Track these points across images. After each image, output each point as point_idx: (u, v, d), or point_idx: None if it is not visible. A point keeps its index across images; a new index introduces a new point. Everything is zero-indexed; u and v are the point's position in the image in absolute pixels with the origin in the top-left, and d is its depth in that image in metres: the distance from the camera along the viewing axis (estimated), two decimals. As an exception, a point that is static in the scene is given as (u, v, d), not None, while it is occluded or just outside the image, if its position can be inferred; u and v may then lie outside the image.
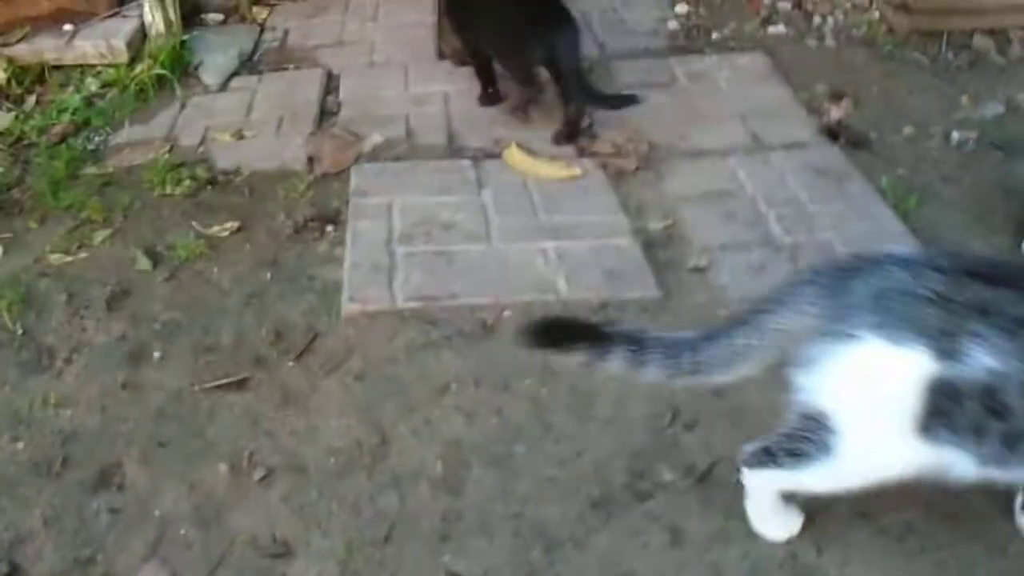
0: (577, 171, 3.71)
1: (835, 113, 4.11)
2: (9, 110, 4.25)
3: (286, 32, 4.80)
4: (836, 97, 4.25)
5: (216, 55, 4.55)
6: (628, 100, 4.09)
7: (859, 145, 3.98)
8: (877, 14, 4.85)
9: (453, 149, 3.92)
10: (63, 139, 4.07)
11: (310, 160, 3.85)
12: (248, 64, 4.59)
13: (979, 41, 4.77)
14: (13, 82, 4.35)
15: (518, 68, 4.03)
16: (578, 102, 3.96)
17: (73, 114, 4.18)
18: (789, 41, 4.67)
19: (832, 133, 4.00)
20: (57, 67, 4.44)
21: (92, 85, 4.35)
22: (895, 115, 4.23)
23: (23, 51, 4.42)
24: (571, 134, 3.95)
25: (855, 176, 3.75)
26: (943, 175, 3.89)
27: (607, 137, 3.92)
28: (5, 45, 4.38)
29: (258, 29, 4.85)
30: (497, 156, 3.84)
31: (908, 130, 4.14)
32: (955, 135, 4.13)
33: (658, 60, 4.44)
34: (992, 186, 3.83)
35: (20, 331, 3.21)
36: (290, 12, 4.98)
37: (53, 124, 4.13)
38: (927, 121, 4.21)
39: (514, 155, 3.76)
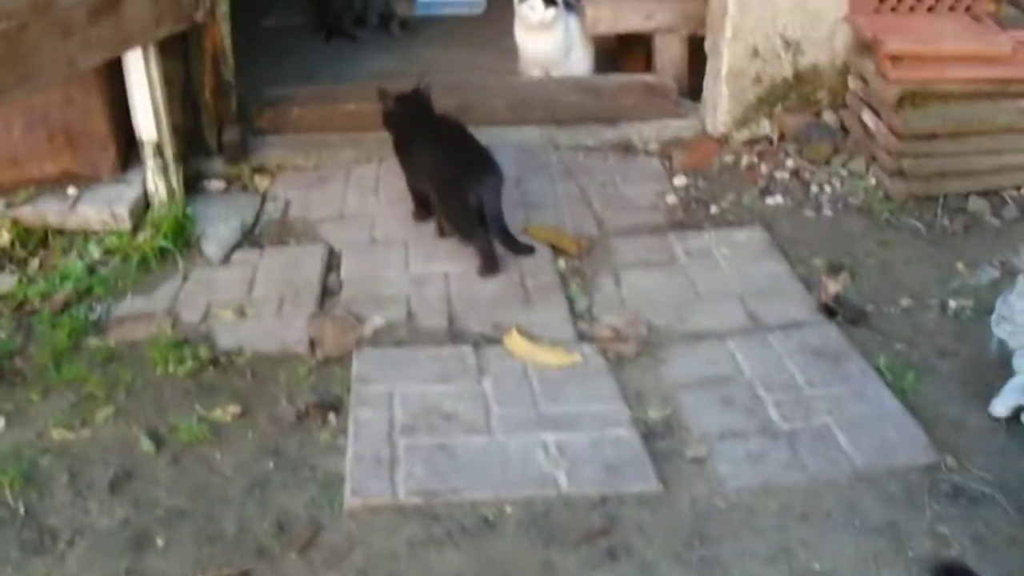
0: (577, 358, 3.74)
1: (832, 288, 4.14)
2: (12, 272, 4.26)
3: (287, 203, 4.81)
4: (834, 271, 4.29)
5: (218, 225, 4.55)
6: (527, 249, 4.33)
7: (857, 321, 4.01)
8: (873, 181, 4.92)
9: (454, 333, 3.93)
10: (65, 307, 4.07)
11: (312, 343, 3.86)
12: (250, 236, 4.58)
13: (974, 204, 4.84)
14: (17, 244, 4.37)
15: (454, 214, 4.29)
16: (498, 240, 4.22)
17: (76, 282, 4.18)
18: (787, 212, 4.72)
19: (829, 310, 4.04)
20: (60, 231, 4.45)
21: (95, 251, 4.36)
22: (892, 286, 4.28)
23: (27, 213, 4.44)
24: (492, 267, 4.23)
25: (852, 355, 3.78)
26: (940, 348, 3.92)
27: (607, 321, 3.96)
28: (10, 206, 4.40)
29: (260, 198, 4.85)
30: (498, 341, 3.85)
31: (905, 301, 4.19)
32: (952, 304, 4.18)
33: (657, 237, 4.47)
34: (989, 358, 3.80)
35: (22, 510, 3.21)
36: (292, 181, 4.99)
37: (56, 291, 4.13)
38: (924, 291, 4.26)
39: (515, 341, 3.79)
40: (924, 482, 3.30)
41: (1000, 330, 3.55)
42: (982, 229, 4.76)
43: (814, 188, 4.96)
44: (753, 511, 3.19)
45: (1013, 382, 3.56)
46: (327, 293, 4.20)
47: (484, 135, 4.93)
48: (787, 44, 5.18)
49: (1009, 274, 4.36)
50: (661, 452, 3.38)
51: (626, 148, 5.26)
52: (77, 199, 4.55)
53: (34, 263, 4.37)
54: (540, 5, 5.64)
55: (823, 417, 3.50)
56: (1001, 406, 3.59)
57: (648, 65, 5.82)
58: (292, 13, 7.79)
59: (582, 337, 3.91)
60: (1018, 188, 5.01)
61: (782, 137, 5.25)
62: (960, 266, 4.45)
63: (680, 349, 3.84)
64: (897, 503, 3.22)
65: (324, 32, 7.20)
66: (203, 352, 3.83)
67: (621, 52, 6.20)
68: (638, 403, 3.59)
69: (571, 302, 4.14)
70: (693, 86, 5.58)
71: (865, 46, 4.98)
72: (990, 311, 3.81)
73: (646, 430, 3.46)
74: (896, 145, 4.80)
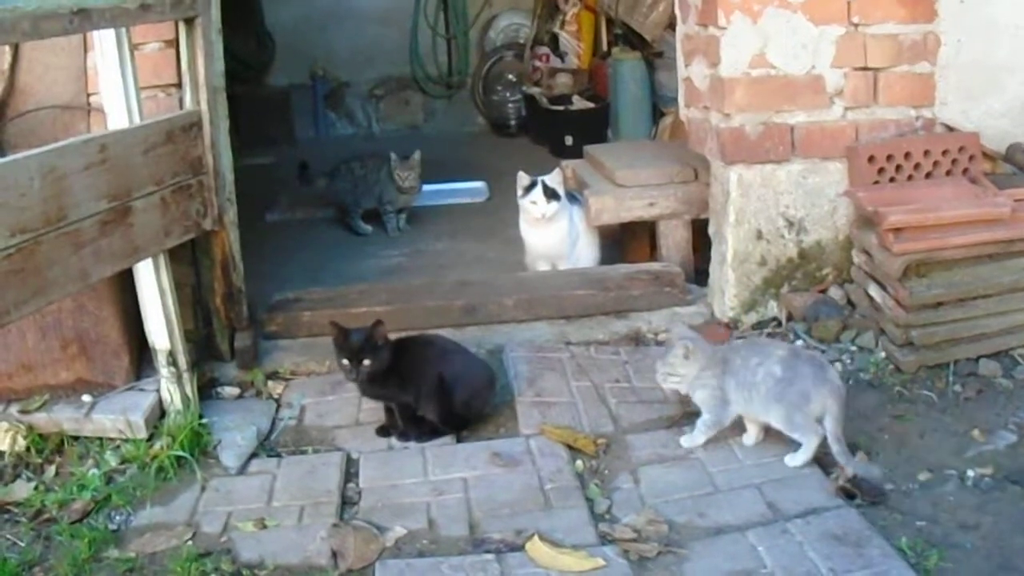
0: (600, 562, 3.73)
1: (850, 469, 4.08)
2: (29, 479, 4.29)
3: (303, 409, 4.83)
4: (850, 450, 4.22)
5: (234, 434, 4.57)
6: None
7: (876, 501, 4.00)
8: (883, 354, 4.94)
9: (475, 541, 3.91)
10: (84, 516, 4.07)
11: (334, 555, 3.83)
12: (266, 444, 4.60)
13: (985, 367, 4.87)
14: (32, 451, 4.39)
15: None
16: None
17: (94, 491, 4.19)
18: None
19: (848, 493, 4.02)
20: (75, 437, 4.47)
21: (111, 460, 4.38)
22: (909, 461, 4.28)
23: (42, 420, 4.47)
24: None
25: (874, 538, 3.76)
26: (961, 522, 3.90)
27: (627, 521, 3.96)
28: (25, 412, 4.44)
29: (274, 405, 4.87)
30: (520, 548, 3.83)
31: (923, 476, 4.18)
32: (971, 473, 4.17)
33: (673, 432, 4.51)
34: (1011, 526, 3.86)
35: None
36: (306, 387, 5.02)
37: (74, 499, 4.14)
38: (942, 463, 4.25)
39: (537, 548, 3.79)
40: (953, 661, 3.21)
41: (670, 384, 4.36)
42: (995, 392, 4.77)
43: (826, 367, 4.85)
44: None
45: (701, 420, 4.30)
46: (347, 503, 4.20)
47: (494, 334, 5.08)
48: (790, 224, 5.27)
49: (1026, 437, 4.27)
50: (688, 655, 3.28)
51: (637, 340, 5.30)
52: (92, 407, 4.61)
53: (50, 470, 4.41)
54: (542, 200, 5.75)
55: (848, 606, 3.39)
56: (688, 441, 4.40)
57: (653, 248, 5.86)
58: (296, 208, 7.88)
59: (603, 539, 3.89)
60: (1026, 346, 4.92)
61: (790, 317, 5.30)
62: (976, 433, 4.45)
63: (701, 545, 3.82)
64: None
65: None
66: (225, 566, 3.82)
67: (625, 238, 6.28)
68: (653, 600, 3.47)
69: (591, 503, 4.13)
70: (699, 268, 5.58)
71: (867, 220, 5.03)
72: (1011, 478, 3.96)
73: (679, 636, 3.35)
74: (904, 317, 4.84)
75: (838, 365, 4.99)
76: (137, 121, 4.37)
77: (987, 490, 4.11)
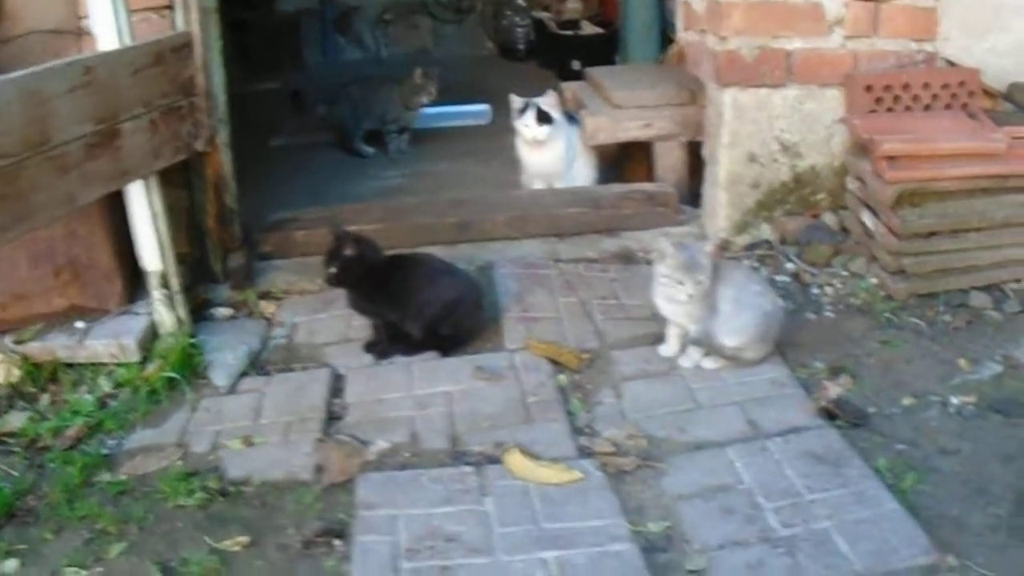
0: (577, 474, 3.73)
1: (833, 391, 4.14)
2: (23, 409, 4.28)
3: (294, 328, 4.81)
4: (834, 373, 4.29)
5: (225, 354, 4.56)
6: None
7: (858, 423, 4.00)
8: (874, 280, 4.94)
9: (456, 454, 3.92)
10: (77, 442, 4.07)
11: (318, 469, 3.84)
12: (257, 363, 4.59)
13: (976, 298, 4.86)
14: (27, 380, 4.38)
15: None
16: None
17: (87, 417, 4.18)
18: (788, 315, 4.64)
19: (830, 413, 4.02)
20: (69, 365, 4.46)
21: (105, 385, 4.37)
22: (894, 386, 4.27)
23: (36, 349, 4.45)
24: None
25: (852, 459, 3.77)
26: (942, 447, 3.91)
27: (607, 435, 3.97)
28: (19, 342, 4.43)
29: (266, 324, 4.86)
30: (499, 461, 3.84)
31: (907, 401, 4.18)
32: (954, 401, 4.18)
33: (657, 347, 4.48)
34: (990, 453, 3.87)
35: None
36: (298, 306, 5.01)
37: (67, 426, 4.13)
38: (926, 389, 4.25)
39: (515, 461, 3.79)
40: (924, 583, 3.20)
41: (698, 290, 4.23)
42: (984, 324, 4.76)
43: (815, 290, 4.98)
44: (754, 620, 3.11)
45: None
46: (333, 418, 4.19)
47: (486, 251, 5.08)
48: (785, 148, 5.24)
49: (1012, 368, 4.38)
50: (661, 565, 3.35)
51: (627, 258, 5.28)
52: (85, 333, 4.57)
53: (45, 399, 4.39)
54: (534, 124, 5.75)
55: (823, 522, 3.48)
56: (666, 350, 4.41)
57: (652, 171, 5.82)
58: (300, 132, 7.86)
59: (583, 452, 3.90)
60: (1018, 281, 5.02)
61: (783, 240, 5.29)
62: (962, 362, 4.45)
63: (680, 460, 3.83)
64: (900, 605, 3.13)
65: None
66: (212, 483, 3.83)
67: (624, 160, 6.25)
68: (638, 517, 3.57)
69: (572, 417, 4.13)
70: (695, 190, 5.57)
71: (861, 147, 5.01)
72: (994, 407, 4.00)
73: (646, 543, 3.44)
74: (895, 244, 4.83)
75: (828, 289, 5.02)
76: (128, 43, 4.30)
77: (969, 417, 4.11)
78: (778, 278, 5.11)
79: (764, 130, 5.27)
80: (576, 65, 8.54)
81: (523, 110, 6.00)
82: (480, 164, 7.12)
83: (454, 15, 11.72)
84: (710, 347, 4.32)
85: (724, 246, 5.29)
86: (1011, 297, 4.96)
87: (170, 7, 4.73)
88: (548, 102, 5.99)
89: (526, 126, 5.91)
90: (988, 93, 5.42)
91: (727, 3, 5.16)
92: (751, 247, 5.38)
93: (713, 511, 3.59)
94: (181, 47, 4.62)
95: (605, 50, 8.62)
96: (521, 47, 10.98)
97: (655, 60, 7.40)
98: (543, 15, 10.39)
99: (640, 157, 6.11)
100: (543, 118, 5.91)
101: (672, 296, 4.19)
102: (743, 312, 4.24)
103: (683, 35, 5.75)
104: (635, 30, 8.00)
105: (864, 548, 3.39)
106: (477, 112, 8.33)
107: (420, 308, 4.57)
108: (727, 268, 4.34)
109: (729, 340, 4.26)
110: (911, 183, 4.82)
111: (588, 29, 9.73)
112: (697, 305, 4.19)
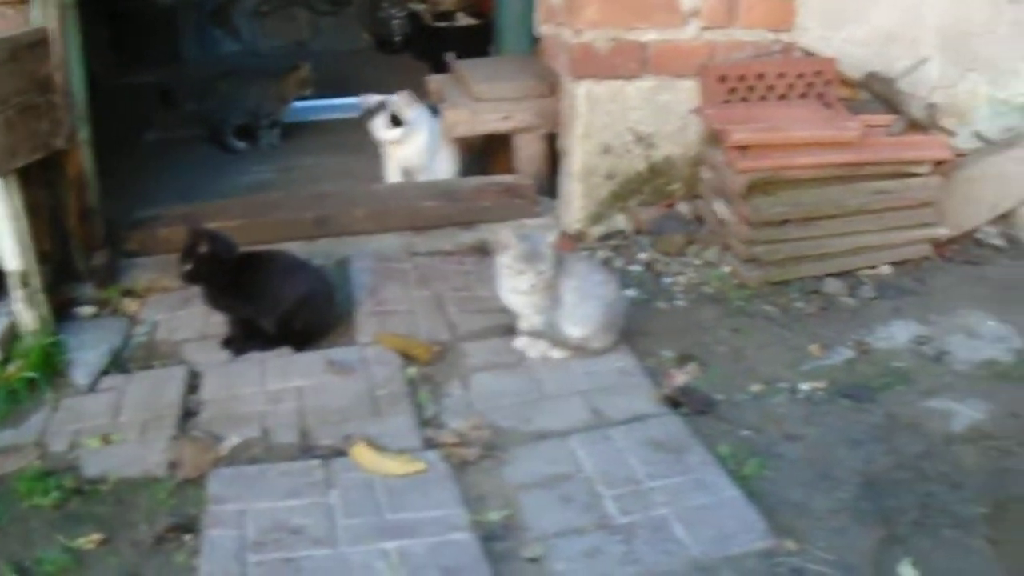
0: (421, 465, 3.70)
1: (680, 379, 4.13)
2: None
3: (155, 325, 4.76)
4: (682, 361, 4.28)
5: (87, 352, 4.48)
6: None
7: (704, 410, 3.99)
8: (728, 269, 4.94)
9: (305, 448, 3.88)
10: None
11: (172, 466, 3.79)
12: (118, 361, 4.52)
13: (830, 285, 4.88)
14: None
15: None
16: None
17: None
18: (639, 305, 4.67)
19: (674, 402, 4.00)
20: None
21: None
22: (743, 373, 4.27)
23: None
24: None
25: (695, 446, 3.76)
26: (788, 433, 3.92)
27: (452, 426, 3.93)
28: None
29: (129, 322, 4.80)
30: (346, 454, 3.80)
31: (755, 387, 4.18)
32: (803, 387, 4.19)
33: (507, 339, 4.46)
34: (837, 438, 3.88)
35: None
36: (160, 303, 4.94)
37: None
38: (775, 376, 4.25)
39: (361, 453, 3.76)
40: (761, 567, 3.28)
41: (541, 280, 4.23)
42: (838, 310, 4.79)
43: (667, 280, 4.97)
44: (586, 607, 3.08)
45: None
46: (188, 415, 4.15)
47: (344, 245, 5.05)
48: (639, 139, 5.24)
49: (864, 353, 4.41)
50: (499, 554, 3.33)
51: (483, 250, 5.23)
52: (-59, 339, 4.40)
53: None
54: (384, 127, 5.72)
55: (661, 509, 3.47)
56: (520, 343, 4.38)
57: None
58: (173, 127, 7.80)
59: (428, 444, 3.87)
60: (873, 267, 5.05)
61: (637, 230, 5.28)
62: (813, 349, 4.46)
63: (523, 450, 3.81)
64: (733, 591, 3.13)
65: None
66: (68, 481, 3.76)
67: (489, 152, 6.23)
68: (479, 506, 3.54)
69: (420, 409, 4.10)
70: (555, 181, 5.55)
71: (714, 137, 5.02)
72: (844, 392, 4.04)
73: (485, 532, 3.42)
74: (748, 233, 4.83)
75: (681, 278, 5.02)
76: (-19, 38, 4.17)
77: (818, 403, 4.12)
78: (632, 268, 5.10)
79: (618, 121, 5.26)
80: (451, 57, 8.49)
81: (375, 111, 5.92)
82: (350, 157, 7.10)
83: (331, 7, 11.66)
84: (556, 338, 4.24)
85: (579, 237, 5.29)
86: (866, 283, 5.00)
87: (26, 1, 4.61)
88: (401, 102, 5.95)
89: (378, 129, 5.85)
90: (846, 82, 5.45)
91: (582, -4, 5.07)
92: (606, 237, 5.36)
93: (553, 499, 3.57)
94: (37, 43, 4.51)
95: (479, 42, 8.59)
96: (397, 39, 10.94)
97: (528, 52, 7.37)
98: (418, 7, 10.35)
99: (504, 149, 6.09)
100: (396, 120, 5.83)
101: (515, 286, 4.15)
102: (586, 302, 4.23)
103: (542, 28, 5.68)
104: (508, 22, 7.98)
105: (702, 534, 3.39)
106: (349, 105, 8.27)
107: (273, 304, 4.54)
108: (571, 260, 4.33)
109: (574, 330, 4.24)
110: (762, 172, 4.83)
111: (463, 20, 9.72)
112: (541, 296, 4.17)
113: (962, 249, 5.47)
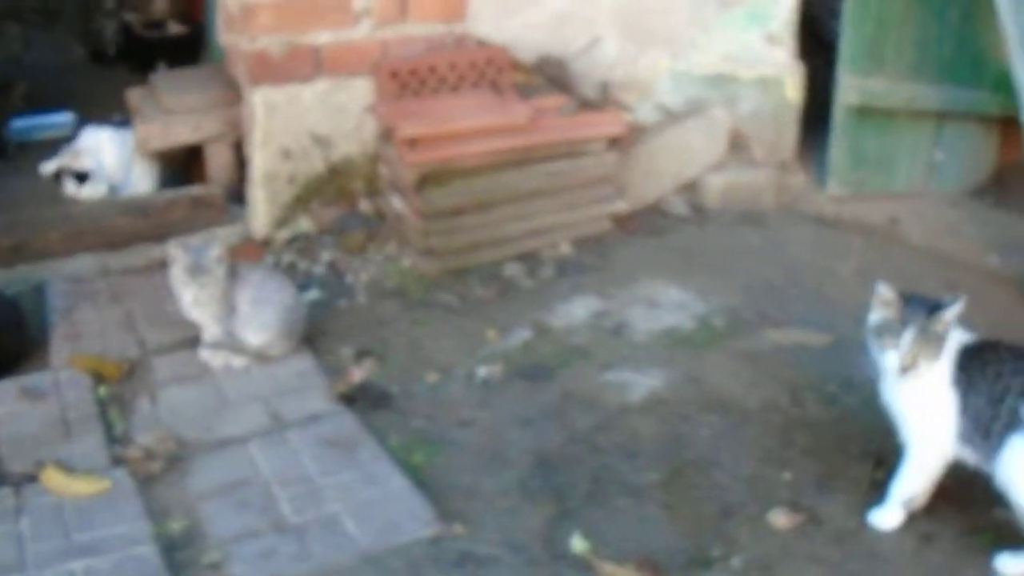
0: (107, 483, 3.76)
1: (357, 376, 4.25)
2: None
3: None
4: (360, 358, 4.39)
5: None
6: None
7: (379, 405, 4.12)
8: (407, 262, 5.06)
9: (1, 475, 3.87)
10: None
11: None
12: None
13: (509, 269, 5.04)
14: None
15: None
16: None
17: None
18: (321, 306, 4.77)
19: (350, 398, 4.12)
20: None
21: None
22: (420, 364, 4.40)
23: None
24: None
25: (366, 441, 3.90)
26: (461, 419, 4.06)
27: (140, 441, 4.00)
28: None
29: None
30: (38, 479, 3.82)
31: (432, 377, 4.31)
32: (481, 372, 4.33)
33: (193, 351, 4.50)
34: (510, 420, 4.04)
35: None
36: None
37: None
38: (452, 363, 4.39)
39: (50, 477, 3.80)
40: (428, 554, 3.43)
41: (208, 291, 4.37)
42: (517, 293, 4.95)
43: (349, 278, 5.06)
44: (262, 607, 3.20)
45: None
46: None
47: (42, 270, 5.11)
48: (317, 141, 5.32)
49: (542, 333, 4.56)
50: (180, 563, 3.43)
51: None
52: None
53: None
54: (72, 187, 5.72)
55: (333, 505, 3.60)
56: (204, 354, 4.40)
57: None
58: None
59: (116, 461, 3.92)
60: (554, 247, 5.21)
61: (321, 231, 5.36)
62: (491, 333, 4.61)
63: (204, 460, 3.90)
64: (399, 579, 3.27)
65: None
66: None
67: (192, 162, 6.25)
68: (162, 518, 3.63)
69: (110, 428, 4.14)
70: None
71: (387, 133, 5.12)
72: (521, 373, 4.20)
73: (167, 543, 3.50)
74: (422, 225, 4.95)
75: (363, 275, 5.12)
76: None
77: (494, 387, 4.28)
78: (315, 269, 5.18)
79: (296, 125, 5.34)
80: (163, 68, 8.44)
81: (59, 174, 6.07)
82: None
83: (43, 19, 11.44)
84: (237, 346, 4.35)
85: (265, 242, 5.35)
86: (546, 264, 5.15)
87: None
88: (72, 160, 6.05)
89: (68, 189, 5.98)
90: (520, 68, 5.59)
91: (255, 3, 5.21)
92: (291, 241, 5.42)
93: (231, 505, 3.68)
94: None
95: (191, 50, 8.56)
96: (111, 52, 10.79)
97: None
98: (130, 16, 10.23)
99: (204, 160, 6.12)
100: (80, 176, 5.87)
101: (183, 299, 4.22)
102: (263, 309, 4.33)
103: (225, 37, 5.73)
104: (217, 29, 7.99)
105: (371, 527, 3.53)
106: (60, 123, 8.18)
107: None
108: (245, 269, 4.42)
109: (253, 338, 4.35)
110: (432, 164, 4.96)
111: (174, 29, 9.64)
112: (216, 306, 4.26)
113: (646, 221, 5.67)
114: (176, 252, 4.23)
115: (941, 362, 3.34)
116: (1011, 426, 3.25)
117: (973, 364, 3.36)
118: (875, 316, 3.41)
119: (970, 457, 3.41)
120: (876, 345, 3.41)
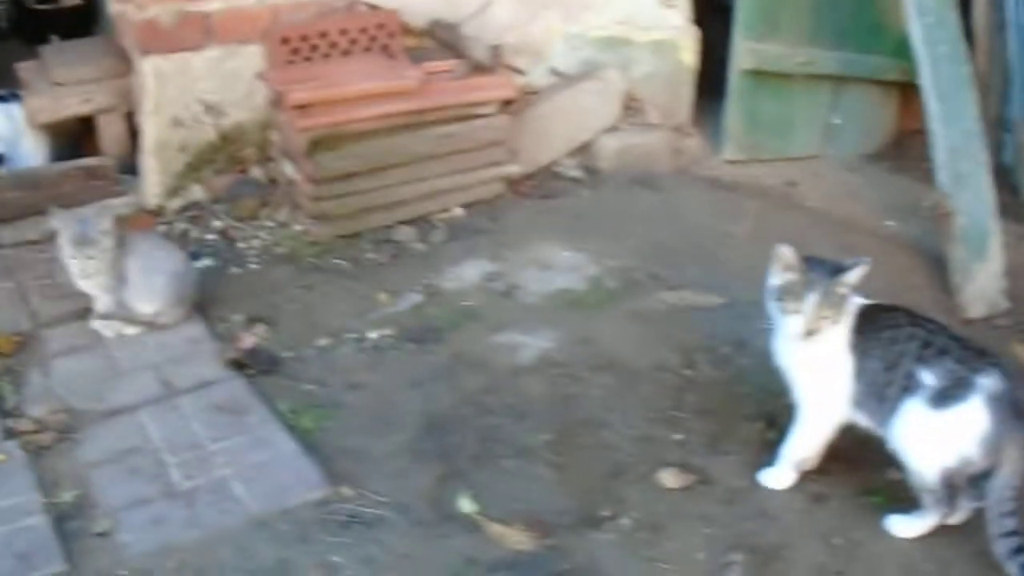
0: (1, 457, 3.74)
1: (248, 341, 4.27)
2: None
3: None
4: (251, 323, 4.42)
5: None
6: None
7: (269, 370, 4.16)
8: (299, 228, 5.08)
9: None
10: None
11: None
12: None
13: (401, 233, 5.08)
14: None
15: None
16: None
17: None
18: (213, 273, 4.79)
19: (240, 364, 4.15)
20: None
21: None
22: (311, 329, 4.43)
23: None
24: None
25: (256, 406, 3.95)
26: (352, 382, 4.11)
27: (32, 414, 4.00)
28: None
29: None
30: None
31: (323, 341, 4.34)
32: (371, 335, 4.38)
33: (86, 321, 4.50)
34: (400, 382, 4.10)
35: None
36: None
37: None
38: (343, 328, 4.43)
39: (-60, 458, 3.78)
40: (316, 516, 3.49)
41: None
42: (409, 256, 5.00)
43: (241, 245, 5.07)
44: (153, 574, 3.31)
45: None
46: None
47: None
48: (208, 108, 5.32)
49: (432, 296, 4.62)
50: (71, 532, 3.46)
51: (58, 237, 5.23)
52: None
53: None
54: None
55: (222, 470, 3.65)
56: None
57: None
58: None
59: (8, 434, 3.92)
60: (447, 210, 5.25)
61: (213, 199, 5.36)
62: (383, 297, 4.65)
63: (96, 429, 3.92)
64: (288, 541, 3.40)
65: None
66: None
67: (85, 135, 6.22)
68: (54, 489, 3.64)
69: (2, 401, 4.13)
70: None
71: (277, 99, 5.12)
72: (410, 336, 4.23)
73: (58, 514, 3.53)
74: (313, 190, 4.98)
75: (255, 241, 5.13)
76: None
77: (384, 350, 4.33)
78: (208, 236, 5.18)
79: (186, 93, 5.33)
80: (56, 40, 8.37)
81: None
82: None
83: (-67, -5, 11.30)
84: (129, 316, 4.37)
85: (158, 212, 5.33)
86: (439, 227, 5.21)
87: None
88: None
89: None
90: (411, 32, 5.61)
91: (139, -28, 5.12)
92: (184, 209, 5.40)
93: (121, 473, 3.71)
94: None
95: (85, 22, 8.48)
96: (3, 25, 10.67)
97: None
98: (23, -12, 10.13)
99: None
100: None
101: (71, 270, 4.23)
102: (152, 278, 4.36)
103: (115, 7, 5.71)
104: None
105: (259, 490, 3.59)
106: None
107: None
108: (134, 239, 4.43)
109: (143, 307, 4.37)
110: (323, 129, 4.98)
111: (68, 1, 9.54)
112: (105, 277, 4.28)
113: (540, 184, 5.72)
114: (61, 223, 4.21)
115: (840, 326, 3.38)
116: (906, 390, 3.32)
117: (869, 328, 3.42)
118: (776, 279, 3.43)
119: (863, 420, 3.48)
120: (776, 308, 3.43)
